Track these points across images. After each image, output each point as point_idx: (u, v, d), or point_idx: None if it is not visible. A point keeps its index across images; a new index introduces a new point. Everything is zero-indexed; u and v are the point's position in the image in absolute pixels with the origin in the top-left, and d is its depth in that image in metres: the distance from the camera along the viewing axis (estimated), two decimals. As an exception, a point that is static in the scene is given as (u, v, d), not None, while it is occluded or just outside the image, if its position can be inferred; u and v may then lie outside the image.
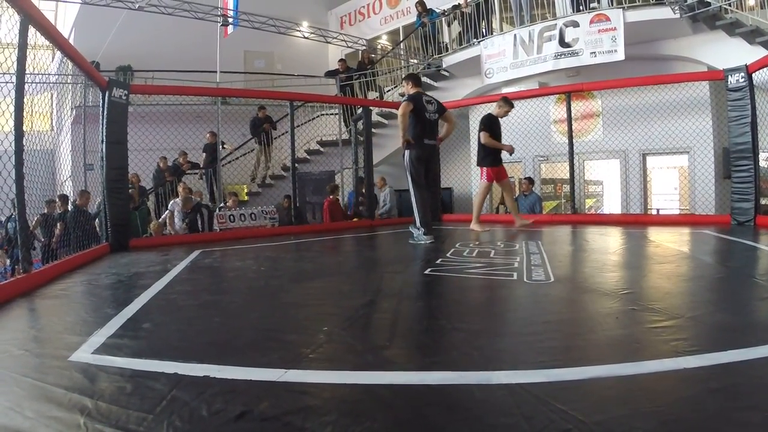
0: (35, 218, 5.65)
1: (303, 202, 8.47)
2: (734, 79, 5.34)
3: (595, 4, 7.44)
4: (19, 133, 3.05)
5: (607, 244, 4.43)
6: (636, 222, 6.21)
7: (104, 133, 4.89)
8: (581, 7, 7.35)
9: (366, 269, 3.76)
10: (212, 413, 1.19)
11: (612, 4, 7.16)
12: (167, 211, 7.35)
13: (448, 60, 9.07)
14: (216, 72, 9.73)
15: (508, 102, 5.61)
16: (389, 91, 10.53)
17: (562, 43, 7.43)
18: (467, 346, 1.67)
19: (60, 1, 10.45)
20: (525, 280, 2.72)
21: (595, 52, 7.14)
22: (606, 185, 9.03)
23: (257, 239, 5.50)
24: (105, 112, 4.89)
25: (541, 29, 7.67)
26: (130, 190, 5.95)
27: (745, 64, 5.29)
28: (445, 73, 9.31)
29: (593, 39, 7.12)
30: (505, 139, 5.72)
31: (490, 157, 5.47)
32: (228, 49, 10.27)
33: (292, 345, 1.77)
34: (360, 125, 7.94)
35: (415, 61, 10.43)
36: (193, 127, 8.57)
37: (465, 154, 8.86)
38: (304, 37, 11.57)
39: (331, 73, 10.82)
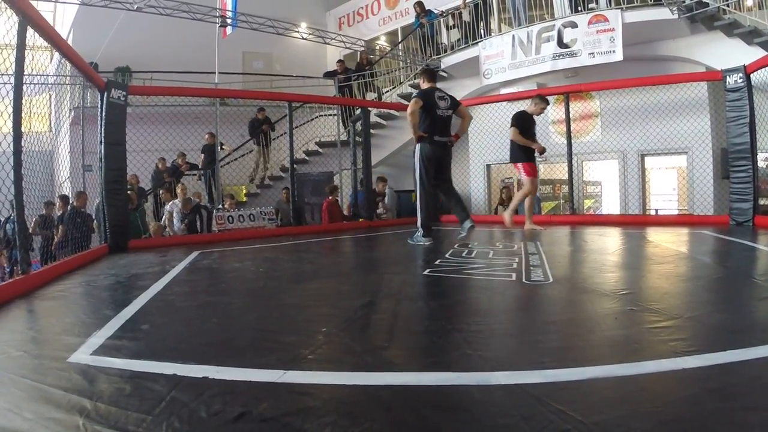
0: (33, 219, 5.64)
1: (302, 203, 8.47)
2: (732, 80, 5.35)
3: (593, 5, 7.45)
4: (17, 134, 3.05)
5: (606, 245, 4.43)
6: (634, 222, 6.22)
7: (103, 134, 4.89)
8: (579, 8, 7.35)
9: (365, 270, 3.76)
10: (211, 414, 1.19)
11: (610, 5, 7.17)
12: (166, 212, 7.34)
13: (447, 61, 9.07)
14: (214, 73, 9.71)
15: (543, 99, 5.51)
16: (387, 92, 10.53)
17: (561, 43, 7.44)
18: (466, 347, 1.67)
19: (58, 2, 10.42)
20: (524, 280, 2.72)
21: (593, 53, 7.14)
22: (604, 186, 9.03)
23: (256, 240, 5.49)
24: (103, 113, 4.89)
25: (539, 30, 7.68)
26: (129, 192, 5.94)
27: (744, 65, 5.30)
28: (444, 74, 9.30)
29: (591, 40, 7.13)
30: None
31: (524, 152, 5.38)
32: (226, 50, 10.25)
33: (291, 346, 1.77)
34: (358, 126, 7.94)
35: (408, 62, 10.44)
36: (192, 128, 8.56)
37: (463, 154, 8.87)
38: (303, 38, 11.55)
39: (329, 74, 10.82)
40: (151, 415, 1.18)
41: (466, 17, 8.83)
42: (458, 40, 9.10)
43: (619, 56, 6.95)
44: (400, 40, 11.64)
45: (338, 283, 3.11)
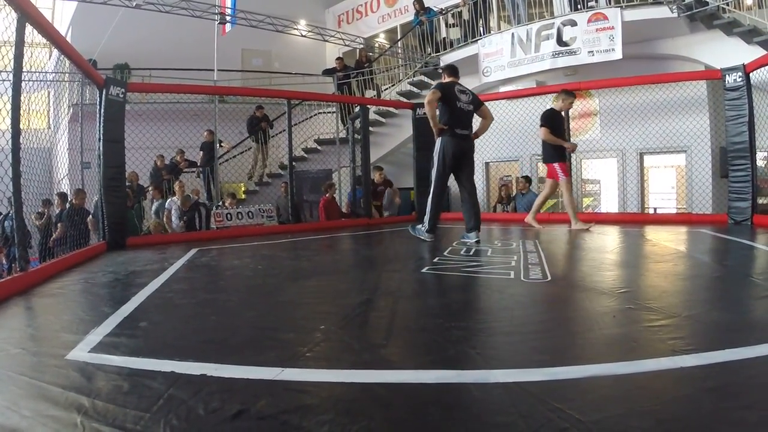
0: (32, 216, 5.62)
1: (300, 201, 8.46)
2: (732, 79, 5.35)
3: (592, 3, 7.45)
4: (15, 131, 3.04)
5: (604, 243, 4.44)
6: (633, 221, 6.22)
7: (101, 132, 4.87)
8: (579, 6, 7.35)
9: (363, 268, 3.76)
10: (209, 412, 1.19)
11: (610, 3, 7.16)
12: (165, 209, 7.33)
13: (446, 58, 9.05)
14: (213, 70, 9.70)
15: (570, 93, 5.40)
16: (387, 89, 10.52)
17: (560, 41, 7.43)
18: (464, 345, 1.67)
19: (57, -1, 10.42)
20: (522, 278, 2.73)
21: (592, 51, 7.14)
22: (603, 184, 9.04)
23: (254, 237, 5.49)
24: (102, 110, 4.88)
25: (538, 28, 7.68)
26: (128, 189, 5.93)
27: (743, 64, 5.30)
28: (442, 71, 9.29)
29: (591, 38, 7.13)
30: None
31: (558, 152, 5.30)
32: (225, 48, 10.23)
33: (289, 343, 1.77)
34: (357, 123, 7.93)
35: (407, 59, 10.42)
36: (191, 125, 8.56)
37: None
38: (302, 36, 11.53)
39: (328, 72, 10.80)
40: (149, 413, 1.18)
41: (465, 15, 8.82)
42: (458, 39, 9.09)
43: (618, 54, 6.95)
44: (399, 37, 11.63)
45: (336, 280, 3.11)
